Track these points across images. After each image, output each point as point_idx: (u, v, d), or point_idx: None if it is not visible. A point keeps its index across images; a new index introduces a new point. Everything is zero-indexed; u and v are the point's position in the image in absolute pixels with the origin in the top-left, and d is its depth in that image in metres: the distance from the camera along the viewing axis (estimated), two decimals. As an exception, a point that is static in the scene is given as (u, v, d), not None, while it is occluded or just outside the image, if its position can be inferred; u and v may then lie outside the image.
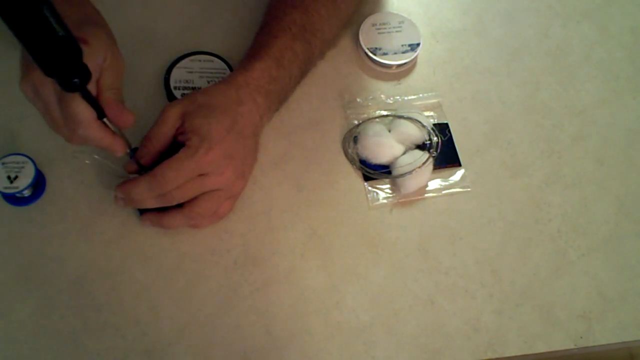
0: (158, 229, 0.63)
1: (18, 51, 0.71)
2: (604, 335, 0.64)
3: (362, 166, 0.69)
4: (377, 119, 0.72)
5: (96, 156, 0.65)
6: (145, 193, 0.59)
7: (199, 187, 0.60)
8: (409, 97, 0.74)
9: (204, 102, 0.61)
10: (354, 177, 0.69)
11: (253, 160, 0.65)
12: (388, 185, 0.69)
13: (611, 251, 0.68)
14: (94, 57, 0.52)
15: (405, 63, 0.75)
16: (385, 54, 0.74)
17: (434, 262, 0.66)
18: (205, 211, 0.62)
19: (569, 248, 0.68)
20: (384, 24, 0.76)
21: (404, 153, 0.69)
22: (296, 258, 0.64)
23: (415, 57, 0.76)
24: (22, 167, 0.61)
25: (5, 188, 0.61)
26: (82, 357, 0.58)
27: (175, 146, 0.60)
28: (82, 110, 0.53)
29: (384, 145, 0.69)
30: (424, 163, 0.68)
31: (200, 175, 0.59)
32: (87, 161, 0.66)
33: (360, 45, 0.75)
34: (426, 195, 0.69)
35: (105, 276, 0.62)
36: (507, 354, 0.62)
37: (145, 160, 0.61)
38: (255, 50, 0.66)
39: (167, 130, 0.60)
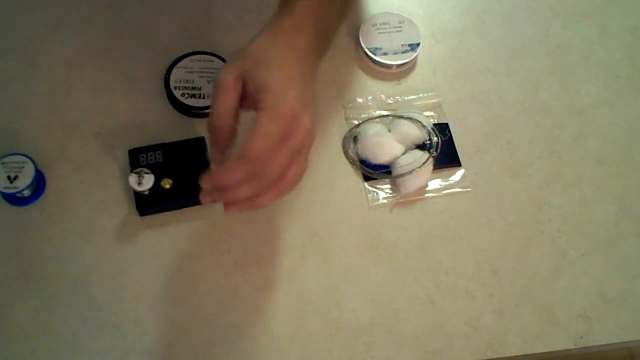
0: (158, 229, 0.64)
1: (18, 51, 0.71)
2: (604, 335, 0.64)
3: (362, 166, 0.69)
4: (377, 119, 0.72)
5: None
6: (241, 173, 0.52)
7: (287, 151, 0.53)
8: (409, 97, 0.74)
9: (259, 56, 0.55)
10: (354, 177, 0.69)
11: (313, 102, 0.57)
12: (388, 185, 0.69)
13: (611, 251, 0.68)
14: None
15: (405, 63, 0.75)
16: (385, 54, 0.74)
17: (434, 262, 0.66)
18: (297, 177, 0.55)
19: (569, 248, 0.68)
20: (384, 24, 0.76)
21: (404, 153, 0.69)
22: (296, 258, 0.64)
23: (415, 57, 0.76)
24: (22, 167, 0.61)
25: (5, 188, 0.61)
26: (82, 357, 0.58)
27: (190, 154, 0.58)
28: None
29: (384, 145, 0.69)
30: (424, 163, 0.68)
31: (285, 137, 0.52)
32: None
33: (360, 45, 0.75)
34: (426, 195, 0.69)
35: (105, 276, 0.62)
36: (507, 354, 0.62)
37: (221, 146, 0.56)
38: None
39: (231, 99, 0.54)
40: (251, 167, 0.52)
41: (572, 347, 0.63)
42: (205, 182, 0.53)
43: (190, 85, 0.70)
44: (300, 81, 0.55)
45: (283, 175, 0.53)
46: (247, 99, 0.55)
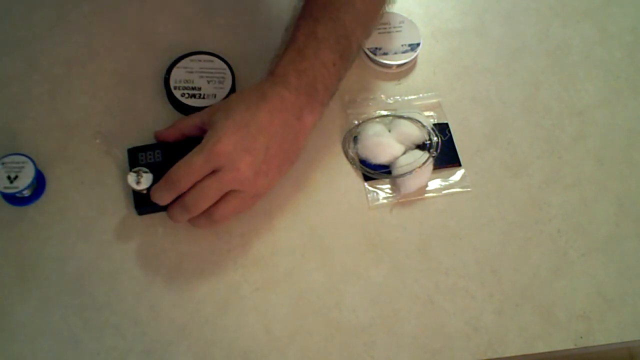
0: (158, 228, 0.64)
1: (18, 51, 0.71)
2: (604, 335, 0.64)
3: (362, 166, 0.69)
4: (377, 119, 0.72)
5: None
6: (165, 194, 0.59)
7: (216, 185, 0.58)
8: (409, 97, 0.74)
9: (233, 99, 0.62)
10: (354, 177, 0.69)
11: (283, 160, 0.62)
12: (388, 185, 0.69)
13: (611, 251, 0.68)
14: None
15: (405, 63, 0.75)
16: (385, 54, 0.74)
17: (434, 262, 0.66)
18: (229, 213, 0.61)
19: (569, 248, 0.68)
20: (384, 24, 0.76)
21: (404, 153, 0.69)
22: (296, 258, 0.64)
23: (415, 57, 0.76)
24: (22, 167, 0.61)
25: (5, 188, 0.61)
26: (82, 357, 0.58)
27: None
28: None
29: (384, 145, 0.69)
30: (424, 163, 0.68)
31: (215, 172, 0.58)
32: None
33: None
34: (426, 195, 0.69)
35: (105, 276, 0.62)
36: (507, 354, 0.62)
37: (163, 135, 0.65)
38: (286, 44, 0.64)
39: (194, 119, 0.63)
40: (171, 184, 0.59)
41: (572, 347, 0.63)
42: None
43: (190, 85, 0.70)
44: (252, 131, 0.59)
45: (217, 207, 0.60)
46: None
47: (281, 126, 0.61)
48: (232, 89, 0.70)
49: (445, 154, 0.71)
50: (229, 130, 0.58)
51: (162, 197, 0.60)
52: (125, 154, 0.65)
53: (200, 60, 0.71)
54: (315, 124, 0.64)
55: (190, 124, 0.63)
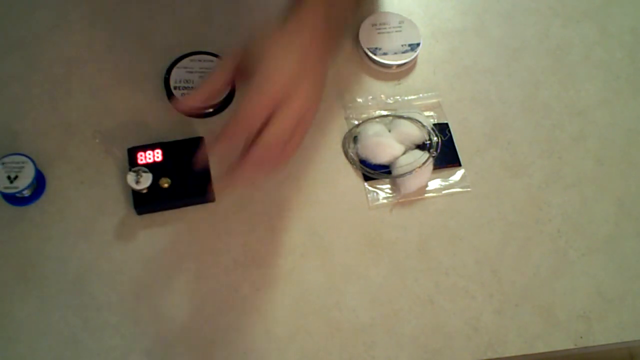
0: (158, 228, 0.64)
1: (18, 51, 0.71)
2: (604, 335, 0.64)
3: (362, 166, 0.69)
4: (377, 119, 0.72)
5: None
6: (237, 129, 0.56)
7: (290, 114, 0.57)
8: (409, 97, 0.74)
9: (263, 33, 0.60)
10: (354, 177, 0.69)
11: (320, 90, 0.61)
12: (388, 185, 0.69)
13: (611, 251, 0.68)
14: None
15: (405, 63, 0.75)
16: (385, 54, 0.74)
17: (434, 262, 0.66)
18: (299, 140, 0.59)
19: (569, 248, 0.68)
20: (383, 24, 0.76)
21: (404, 153, 0.69)
22: (296, 258, 0.64)
23: (415, 57, 0.76)
24: (22, 167, 0.62)
25: (5, 188, 0.61)
26: (82, 357, 0.58)
27: (189, 153, 0.62)
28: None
29: (384, 145, 0.69)
30: (424, 163, 0.68)
31: (276, 110, 0.56)
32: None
33: (360, 45, 0.75)
34: (426, 195, 0.69)
35: (105, 276, 0.62)
36: (507, 354, 0.62)
37: (189, 102, 0.63)
38: None
39: (229, 62, 0.60)
40: (244, 121, 0.55)
41: (572, 347, 0.63)
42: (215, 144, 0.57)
43: (190, 85, 0.70)
44: (299, 52, 0.58)
45: (266, 132, 0.56)
46: (245, 74, 0.58)
47: (317, 53, 0.60)
48: (232, 89, 0.70)
49: (445, 154, 0.71)
50: (283, 56, 0.57)
51: (234, 132, 0.56)
52: (125, 154, 0.65)
53: (200, 60, 0.71)
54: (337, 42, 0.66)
55: (221, 78, 0.61)
